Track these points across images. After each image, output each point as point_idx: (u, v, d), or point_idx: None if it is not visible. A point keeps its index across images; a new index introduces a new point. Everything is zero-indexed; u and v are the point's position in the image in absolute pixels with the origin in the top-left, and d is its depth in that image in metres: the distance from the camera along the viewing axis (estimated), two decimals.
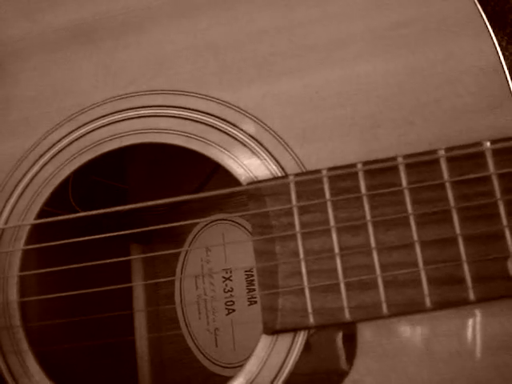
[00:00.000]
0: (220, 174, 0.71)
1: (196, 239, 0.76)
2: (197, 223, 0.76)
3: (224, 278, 0.74)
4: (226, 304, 0.74)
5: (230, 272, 0.74)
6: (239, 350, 0.72)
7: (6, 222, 0.59)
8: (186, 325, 0.75)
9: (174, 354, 0.75)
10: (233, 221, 0.75)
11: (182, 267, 0.76)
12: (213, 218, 0.76)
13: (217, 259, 0.75)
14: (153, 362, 0.73)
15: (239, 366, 0.72)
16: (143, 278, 0.75)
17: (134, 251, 0.76)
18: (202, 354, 0.74)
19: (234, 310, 0.73)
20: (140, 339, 0.73)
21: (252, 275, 0.73)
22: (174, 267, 0.76)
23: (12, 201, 0.60)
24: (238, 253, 0.74)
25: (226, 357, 0.73)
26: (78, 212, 0.66)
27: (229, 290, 0.74)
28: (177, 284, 0.76)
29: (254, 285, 0.73)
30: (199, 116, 0.57)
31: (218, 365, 0.73)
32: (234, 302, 0.73)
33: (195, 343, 0.74)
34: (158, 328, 0.75)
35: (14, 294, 0.57)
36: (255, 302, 0.73)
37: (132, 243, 0.76)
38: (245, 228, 0.75)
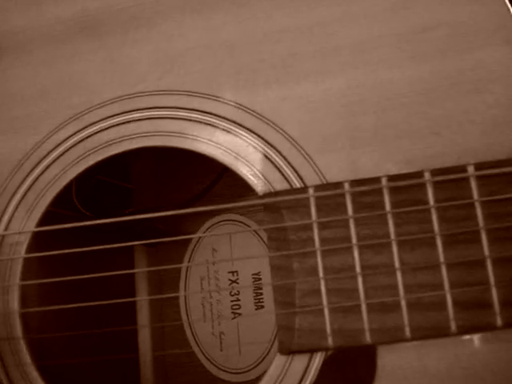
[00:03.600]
0: (229, 173, 0.69)
1: (202, 240, 0.74)
2: (203, 223, 0.74)
3: (230, 280, 0.72)
4: (231, 308, 0.71)
5: (237, 275, 0.72)
6: (245, 355, 0.70)
7: (8, 225, 0.57)
8: (191, 328, 0.73)
9: (177, 357, 0.73)
10: (240, 221, 0.73)
11: (187, 269, 0.73)
12: (219, 219, 0.73)
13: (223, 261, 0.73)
14: (156, 366, 0.71)
15: (244, 372, 0.70)
16: (147, 278, 0.73)
17: (138, 252, 0.73)
18: (207, 358, 0.72)
19: (240, 314, 0.71)
20: (143, 342, 0.71)
21: (260, 279, 0.71)
22: (178, 269, 0.74)
23: (14, 203, 0.57)
24: (249, 254, 0.72)
25: (230, 361, 0.71)
26: (82, 212, 0.64)
27: (235, 294, 0.72)
28: (181, 286, 0.73)
29: (261, 288, 0.71)
30: (211, 119, 0.54)
31: (222, 369, 0.71)
32: (240, 306, 0.71)
33: (199, 347, 0.72)
34: (161, 332, 0.73)
35: (15, 304, 0.54)
36: (262, 307, 0.70)
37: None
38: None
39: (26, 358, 0.53)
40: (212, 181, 0.67)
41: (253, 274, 0.71)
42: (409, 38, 0.52)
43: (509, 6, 0.50)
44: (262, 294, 0.71)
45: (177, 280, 0.74)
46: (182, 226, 0.73)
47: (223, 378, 0.71)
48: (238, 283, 0.72)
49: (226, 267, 0.72)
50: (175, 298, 0.74)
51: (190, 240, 0.74)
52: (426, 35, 0.51)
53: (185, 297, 0.73)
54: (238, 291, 0.72)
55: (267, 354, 0.69)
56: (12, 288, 0.55)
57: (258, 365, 0.70)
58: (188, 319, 0.73)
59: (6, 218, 0.57)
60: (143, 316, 0.71)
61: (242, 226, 0.72)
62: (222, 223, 0.73)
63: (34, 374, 0.53)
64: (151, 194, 0.73)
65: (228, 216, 0.73)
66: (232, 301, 0.72)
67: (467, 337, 0.46)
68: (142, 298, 0.70)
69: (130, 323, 0.71)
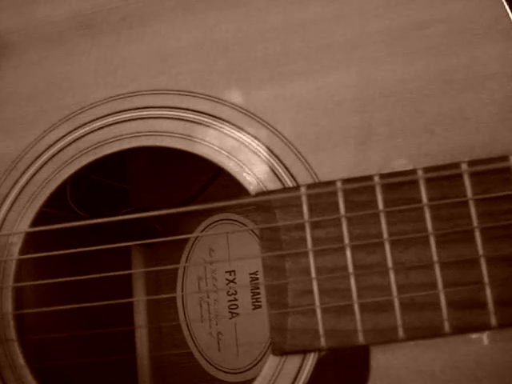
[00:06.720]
0: (224, 174, 0.68)
1: (199, 240, 0.73)
2: (200, 223, 0.73)
3: (228, 280, 0.72)
4: (229, 308, 0.71)
5: (234, 274, 0.71)
6: (242, 355, 0.70)
7: (1, 226, 0.56)
8: (188, 328, 0.72)
9: (175, 357, 0.73)
10: (237, 220, 0.72)
11: (184, 269, 0.73)
12: (215, 218, 0.73)
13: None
14: (153, 366, 0.71)
15: (242, 372, 0.70)
16: (144, 279, 0.72)
17: (135, 253, 0.73)
18: (204, 358, 0.71)
19: (237, 314, 0.71)
20: (140, 342, 0.71)
21: (257, 278, 0.71)
22: (175, 269, 0.74)
23: (7, 204, 0.57)
24: (242, 254, 0.72)
25: (228, 362, 0.71)
26: (77, 212, 0.64)
27: (232, 293, 0.71)
28: (179, 286, 0.73)
29: (258, 288, 0.71)
30: (205, 119, 0.54)
31: (220, 370, 0.71)
32: (237, 306, 0.71)
33: (197, 347, 0.72)
34: (159, 331, 0.73)
35: (8, 306, 0.54)
36: (260, 306, 0.70)
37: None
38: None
39: (20, 360, 0.53)
40: (207, 181, 0.67)
41: (250, 274, 0.71)
42: (402, 36, 0.51)
43: (504, 1, 0.50)
44: (259, 293, 0.70)
45: (174, 280, 0.74)
46: (179, 227, 0.73)
47: (221, 378, 0.70)
48: (235, 283, 0.71)
49: (223, 267, 0.72)
50: (172, 298, 0.73)
51: (186, 240, 0.74)
52: (420, 32, 0.51)
53: (182, 297, 0.73)
54: (236, 291, 0.71)
55: (265, 353, 0.69)
56: (5, 290, 0.54)
57: (255, 365, 0.69)
58: (185, 319, 0.72)
59: None
60: (140, 317, 0.71)
61: (238, 225, 0.72)
62: (218, 223, 0.73)
63: (28, 376, 0.53)
64: (147, 194, 0.73)
65: (224, 215, 0.73)
66: (229, 301, 0.71)
67: (461, 337, 0.45)
68: (139, 299, 0.70)
69: (127, 324, 0.71)
